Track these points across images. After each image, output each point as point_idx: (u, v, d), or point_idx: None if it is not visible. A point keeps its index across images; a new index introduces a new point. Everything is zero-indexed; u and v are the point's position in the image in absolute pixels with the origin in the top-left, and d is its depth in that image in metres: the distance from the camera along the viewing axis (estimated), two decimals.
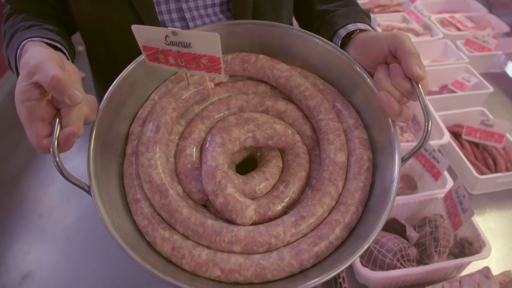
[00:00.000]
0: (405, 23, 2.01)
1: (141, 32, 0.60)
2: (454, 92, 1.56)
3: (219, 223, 0.58)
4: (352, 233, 0.59)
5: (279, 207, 0.62)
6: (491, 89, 1.51)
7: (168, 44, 0.60)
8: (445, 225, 1.05)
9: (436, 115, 1.39)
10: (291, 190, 0.64)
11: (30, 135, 0.54)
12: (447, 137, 1.29)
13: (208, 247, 0.57)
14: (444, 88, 1.63)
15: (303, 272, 0.56)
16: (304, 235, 0.59)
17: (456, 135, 1.38)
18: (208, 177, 0.59)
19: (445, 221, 1.06)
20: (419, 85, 0.58)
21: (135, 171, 0.64)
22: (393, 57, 0.64)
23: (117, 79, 0.66)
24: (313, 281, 0.51)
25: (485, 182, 1.21)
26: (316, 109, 0.69)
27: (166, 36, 0.59)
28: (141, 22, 0.75)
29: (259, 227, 0.58)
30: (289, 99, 0.74)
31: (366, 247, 0.52)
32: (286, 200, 0.63)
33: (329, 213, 0.61)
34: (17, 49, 0.67)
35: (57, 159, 0.52)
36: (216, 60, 0.60)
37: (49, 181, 2.62)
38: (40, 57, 0.55)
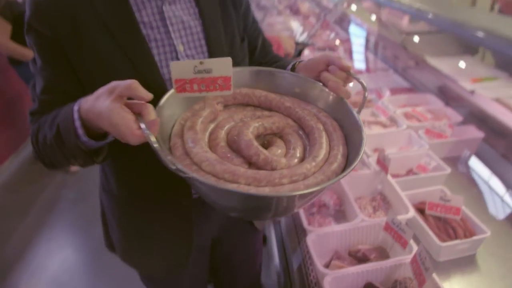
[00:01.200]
0: (374, 117, 2.29)
1: (177, 67, 0.85)
2: (418, 174, 1.78)
3: (267, 171, 0.86)
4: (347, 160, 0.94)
5: (296, 160, 0.92)
6: (449, 170, 1.74)
7: (195, 73, 0.86)
8: (413, 285, 1.21)
9: (402, 194, 1.59)
10: (297, 151, 0.95)
11: (125, 131, 0.77)
12: (412, 213, 1.49)
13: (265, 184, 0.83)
14: (409, 171, 1.85)
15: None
16: (321, 167, 0.90)
17: (421, 211, 1.57)
18: (248, 146, 0.89)
19: (413, 281, 1.21)
20: (351, 71, 1.02)
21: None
22: (326, 67, 1.03)
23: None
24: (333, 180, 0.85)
25: (447, 249, 1.38)
26: (292, 106, 1.05)
27: (195, 66, 0.85)
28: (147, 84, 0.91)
29: (293, 168, 0.88)
30: (270, 111, 1.08)
31: (356, 162, 0.87)
32: (297, 157, 0.94)
33: (329, 153, 0.95)
34: (72, 108, 0.87)
35: (153, 139, 0.76)
36: (227, 80, 0.88)
37: (41, 270, 2.68)
38: (106, 86, 0.81)
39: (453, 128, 2.05)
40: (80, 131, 0.86)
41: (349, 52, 3.54)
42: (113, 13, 0.97)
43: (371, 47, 3.42)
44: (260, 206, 0.84)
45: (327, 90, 1.04)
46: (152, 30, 1.02)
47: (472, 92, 2.07)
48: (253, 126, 0.96)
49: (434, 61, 2.36)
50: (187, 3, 1.09)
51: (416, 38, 2.43)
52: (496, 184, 1.84)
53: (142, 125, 0.77)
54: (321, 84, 1.05)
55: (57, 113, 0.93)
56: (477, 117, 2.13)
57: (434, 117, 2.25)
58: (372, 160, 1.83)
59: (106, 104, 0.78)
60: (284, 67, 1.18)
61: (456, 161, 1.97)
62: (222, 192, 0.80)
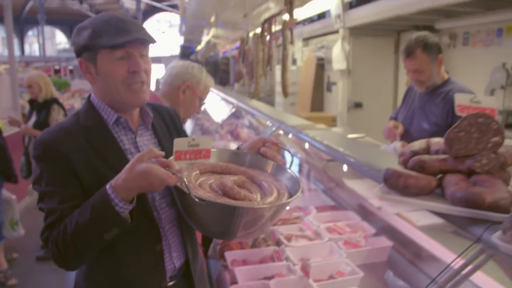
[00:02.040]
0: (301, 231, 2.62)
1: (178, 142, 1.30)
2: (336, 278, 2.08)
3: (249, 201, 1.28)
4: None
5: (259, 198, 1.33)
6: (362, 273, 2.05)
7: (189, 146, 1.31)
8: None
9: None
10: (259, 194, 1.35)
11: (165, 177, 1.17)
12: None
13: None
14: (330, 277, 2.15)
15: None
16: (277, 199, 1.32)
17: None
18: (232, 188, 1.30)
19: None
20: (279, 145, 1.51)
21: None
22: (263, 145, 1.51)
23: None
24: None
25: None
26: (246, 170, 1.46)
27: (189, 142, 1.32)
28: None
29: (262, 199, 1.31)
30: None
31: (298, 193, 1.33)
32: (259, 196, 1.34)
33: (278, 194, 1.34)
34: (105, 188, 1.21)
35: (183, 178, 1.19)
36: (208, 151, 1.39)
37: None
38: (133, 160, 1.22)
39: (367, 239, 2.41)
40: (117, 199, 1.19)
41: None
42: (105, 146, 1.39)
43: (301, 170, 3.89)
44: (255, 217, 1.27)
45: (268, 160, 1.50)
46: (131, 154, 1.43)
47: (379, 208, 2.48)
48: (229, 179, 1.35)
49: (350, 183, 2.80)
50: (150, 136, 1.54)
51: (333, 164, 2.89)
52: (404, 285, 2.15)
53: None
54: (262, 156, 1.52)
55: (83, 207, 1.25)
56: (387, 229, 2.51)
57: (352, 230, 2.62)
58: (297, 267, 2.12)
59: (143, 167, 1.17)
60: None
61: (369, 266, 2.30)
62: (230, 208, 1.21)
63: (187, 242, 1.57)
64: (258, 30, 4.29)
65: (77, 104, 9.77)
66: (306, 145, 2.98)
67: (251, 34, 5.04)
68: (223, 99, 5.79)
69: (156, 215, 1.45)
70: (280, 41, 4.44)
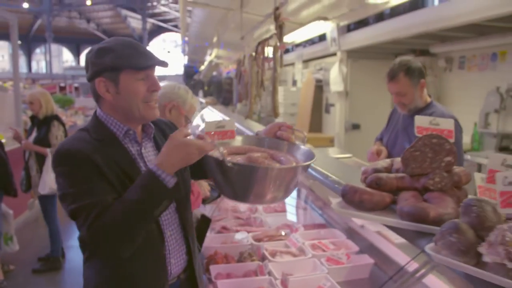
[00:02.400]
0: (286, 248, 2.70)
1: (208, 125, 1.61)
2: None
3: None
4: None
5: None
6: None
7: (216, 128, 1.62)
8: None
9: None
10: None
11: (204, 146, 1.38)
12: None
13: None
14: None
15: None
16: None
17: None
18: (257, 158, 1.54)
19: None
20: (294, 128, 1.76)
21: None
22: (279, 129, 1.75)
23: None
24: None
25: None
26: (266, 150, 1.66)
27: (216, 124, 1.64)
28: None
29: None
30: None
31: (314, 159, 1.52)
32: None
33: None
34: (150, 168, 1.39)
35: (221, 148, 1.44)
36: (233, 132, 1.66)
37: None
38: (175, 139, 1.42)
39: (350, 256, 2.48)
40: (163, 174, 1.36)
41: None
42: (119, 155, 1.52)
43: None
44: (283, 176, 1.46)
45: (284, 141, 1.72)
46: (138, 160, 1.59)
47: (362, 226, 2.55)
48: (254, 154, 1.55)
49: (335, 201, 2.87)
50: (152, 147, 1.67)
51: (319, 183, 2.98)
52: None
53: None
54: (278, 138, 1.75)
55: (129, 190, 1.40)
56: (368, 247, 2.58)
57: (336, 247, 2.69)
58: (279, 282, 2.19)
59: (181, 139, 1.39)
60: None
61: (353, 283, 2.36)
62: (259, 169, 1.42)
63: (190, 245, 1.70)
64: (254, 52, 4.44)
65: (79, 121, 9.92)
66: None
67: (247, 56, 5.19)
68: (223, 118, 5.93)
69: (160, 220, 1.57)
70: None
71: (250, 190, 1.44)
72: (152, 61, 1.50)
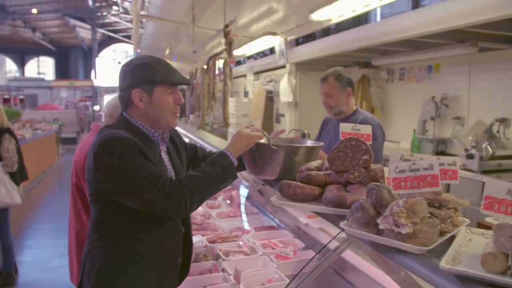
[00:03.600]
0: (238, 248, 2.94)
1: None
2: (266, 285, 2.40)
3: None
4: None
5: None
6: (287, 280, 2.38)
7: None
8: None
9: None
10: None
11: (256, 136, 1.90)
12: None
13: None
14: (262, 284, 2.46)
15: None
16: None
17: None
18: None
19: None
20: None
21: None
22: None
23: None
24: None
25: None
26: None
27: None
28: None
29: None
30: None
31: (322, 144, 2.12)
32: None
33: None
34: (227, 153, 1.80)
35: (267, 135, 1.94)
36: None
37: None
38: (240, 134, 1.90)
39: (296, 252, 2.76)
40: (234, 158, 1.78)
41: (231, 200, 4.30)
42: (152, 151, 1.75)
43: (247, 195, 4.22)
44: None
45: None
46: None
47: (307, 224, 2.84)
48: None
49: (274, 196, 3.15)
50: (165, 152, 1.90)
51: (267, 187, 3.25)
52: None
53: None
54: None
55: (207, 163, 1.76)
56: (313, 243, 2.87)
57: (284, 245, 2.96)
58: (232, 277, 2.43)
59: (249, 132, 1.89)
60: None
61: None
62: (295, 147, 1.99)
63: (190, 235, 2.03)
64: (206, 66, 4.69)
65: (28, 134, 9.72)
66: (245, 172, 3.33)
67: (199, 69, 5.43)
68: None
69: None
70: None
71: (284, 168, 1.91)
72: (182, 80, 1.81)
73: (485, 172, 4.57)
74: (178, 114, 1.85)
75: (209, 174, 1.70)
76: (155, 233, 1.76)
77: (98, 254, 1.75)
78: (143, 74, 1.73)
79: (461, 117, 5.50)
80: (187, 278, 2.54)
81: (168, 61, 2.07)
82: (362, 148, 1.52)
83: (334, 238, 1.49)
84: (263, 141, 1.93)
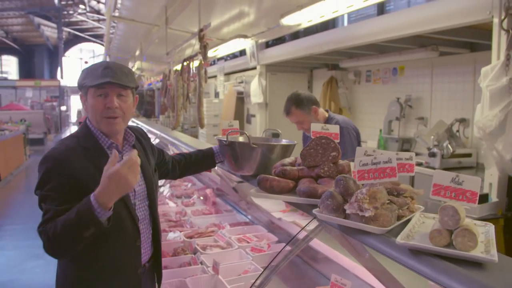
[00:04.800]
0: (215, 242, 3.10)
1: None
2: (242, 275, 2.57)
3: None
4: None
5: None
6: (262, 270, 2.55)
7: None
8: None
9: (229, 287, 2.34)
10: None
11: (131, 161, 1.52)
12: None
13: None
14: (239, 275, 2.63)
15: None
16: None
17: None
18: None
19: None
20: None
21: None
22: None
23: None
24: None
25: None
26: None
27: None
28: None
29: None
30: None
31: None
32: None
33: None
34: (89, 197, 1.49)
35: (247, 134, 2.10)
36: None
37: None
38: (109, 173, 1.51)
39: (270, 246, 2.93)
40: (96, 205, 1.47)
41: (205, 198, 4.44)
42: (101, 161, 1.63)
43: (219, 194, 4.37)
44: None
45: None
46: None
47: (280, 219, 3.02)
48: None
49: (256, 201, 3.32)
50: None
51: (242, 185, 3.42)
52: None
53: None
54: None
55: (72, 210, 1.52)
56: (286, 236, 3.06)
57: (258, 239, 3.14)
58: (210, 269, 2.59)
59: (114, 169, 1.48)
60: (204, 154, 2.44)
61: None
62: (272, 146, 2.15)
63: (158, 237, 1.98)
64: (179, 67, 4.81)
65: None
66: (220, 171, 3.48)
67: (172, 71, 5.55)
68: (148, 130, 6.21)
69: (136, 216, 1.82)
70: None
71: (261, 164, 2.07)
72: (103, 80, 1.68)
73: (446, 169, 4.80)
74: (111, 119, 1.75)
75: (66, 222, 1.52)
76: (109, 249, 1.72)
77: (60, 270, 1.81)
78: (79, 79, 1.78)
79: (424, 117, 5.82)
80: (167, 270, 2.69)
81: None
82: (331, 145, 1.70)
83: (303, 228, 1.67)
84: (242, 139, 2.07)
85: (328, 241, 2.41)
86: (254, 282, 1.75)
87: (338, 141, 1.80)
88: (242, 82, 8.28)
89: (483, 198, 3.23)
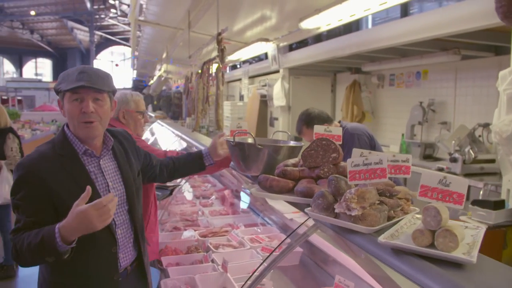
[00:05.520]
0: (228, 241, 3.15)
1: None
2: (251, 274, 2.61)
3: None
4: None
5: None
6: (271, 270, 2.59)
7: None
8: None
9: (236, 285, 2.39)
10: None
11: (98, 204, 1.50)
12: None
13: None
14: (249, 273, 2.67)
15: None
16: None
17: None
18: None
19: None
20: None
21: None
22: None
23: None
24: None
25: None
26: None
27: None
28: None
29: None
30: None
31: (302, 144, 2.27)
32: None
33: None
34: (55, 227, 1.52)
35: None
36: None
37: None
38: (77, 212, 1.51)
39: (281, 247, 2.97)
40: (58, 239, 1.50)
41: (223, 199, 4.51)
42: (75, 170, 1.73)
43: (237, 194, 4.44)
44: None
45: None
46: (95, 175, 1.80)
47: (291, 219, 3.05)
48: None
49: (271, 202, 3.37)
50: (110, 159, 1.90)
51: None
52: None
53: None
54: None
55: (39, 231, 1.56)
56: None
57: (270, 240, 3.18)
58: (219, 267, 2.65)
59: (81, 208, 1.50)
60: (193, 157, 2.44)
61: (285, 269, 2.84)
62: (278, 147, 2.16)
63: (139, 241, 1.95)
64: (200, 71, 4.92)
65: (27, 135, 9.92)
66: (235, 172, 3.55)
67: (194, 74, 5.66)
68: (170, 132, 6.36)
69: (113, 223, 1.80)
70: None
71: (266, 164, 2.11)
72: (77, 84, 1.67)
73: (468, 175, 4.75)
74: (93, 124, 1.74)
75: (30, 245, 1.56)
76: (82, 256, 1.67)
77: (39, 272, 1.84)
78: (56, 84, 1.76)
79: (447, 122, 5.73)
80: (179, 267, 2.77)
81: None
82: (332, 147, 1.74)
83: (302, 224, 1.72)
84: (250, 141, 2.12)
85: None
86: (255, 271, 1.81)
87: (340, 143, 1.83)
88: (265, 85, 8.33)
89: (500, 205, 3.17)
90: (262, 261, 2.65)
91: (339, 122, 3.47)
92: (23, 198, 1.66)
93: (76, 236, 1.54)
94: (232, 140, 2.16)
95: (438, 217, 1.11)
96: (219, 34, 3.86)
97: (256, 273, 1.86)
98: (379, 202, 1.33)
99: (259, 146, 2.06)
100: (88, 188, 1.55)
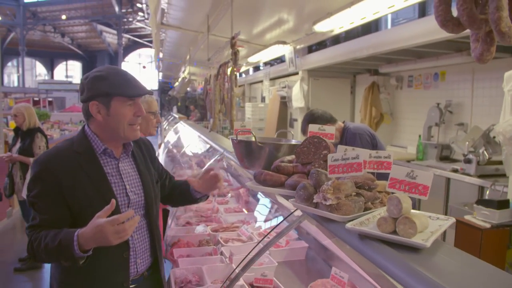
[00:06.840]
0: (238, 236, 3.30)
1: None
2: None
3: None
4: None
5: None
6: (276, 263, 2.73)
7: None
8: None
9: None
10: None
11: (115, 221, 1.50)
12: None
13: None
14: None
15: None
16: None
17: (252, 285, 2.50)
18: None
19: None
20: None
21: None
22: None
23: None
24: None
25: None
26: None
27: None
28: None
29: None
30: None
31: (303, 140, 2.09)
32: None
33: None
34: (74, 233, 1.55)
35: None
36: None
37: None
38: (98, 226, 1.52)
39: (289, 242, 3.10)
40: (76, 246, 1.54)
41: (238, 197, 4.66)
42: (92, 169, 1.76)
43: (254, 193, 4.58)
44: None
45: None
46: (112, 177, 1.82)
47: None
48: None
49: (280, 199, 3.50)
50: (130, 162, 1.94)
51: None
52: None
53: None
54: None
55: (57, 234, 1.59)
56: (305, 234, 3.21)
57: (278, 235, 3.31)
58: (227, 259, 2.80)
59: (101, 223, 1.50)
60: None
61: (291, 263, 2.97)
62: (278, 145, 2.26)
63: (156, 247, 1.97)
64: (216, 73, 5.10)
65: (56, 135, 10.35)
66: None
67: (212, 76, 5.84)
68: (189, 131, 6.57)
69: None
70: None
71: (267, 161, 2.19)
72: (140, 91, 1.79)
73: (482, 176, 4.77)
74: (137, 126, 1.82)
75: (47, 246, 1.60)
76: (94, 258, 1.66)
77: (51, 270, 1.88)
78: (98, 86, 1.74)
79: (464, 123, 5.73)
80: (189, 258, 2.93)
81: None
82: (323, 144, 1.87)
83: (294, 211, 1.86)
84: (253, 139, 2.26)
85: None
86: (250, 252, 1.98)
87: (334, 141, 1.96)
88: (285, 87, 8.47)
89: (504, 204, 3.23)
90: (275, 262, 2.81)
91: (343, 122, 3.59)
92: (38, 195, 1.71)
93: (92, 246, 1.57)
94: (235, 138, 2.31)
95: (400, 205, 1.23)
96: (233, 38, 4.03)
97: (252, 253, 2.02)
98: (356, 194, 1.46)
99: (260, 144, 2.20)
100: (113, 201, 1.56)
